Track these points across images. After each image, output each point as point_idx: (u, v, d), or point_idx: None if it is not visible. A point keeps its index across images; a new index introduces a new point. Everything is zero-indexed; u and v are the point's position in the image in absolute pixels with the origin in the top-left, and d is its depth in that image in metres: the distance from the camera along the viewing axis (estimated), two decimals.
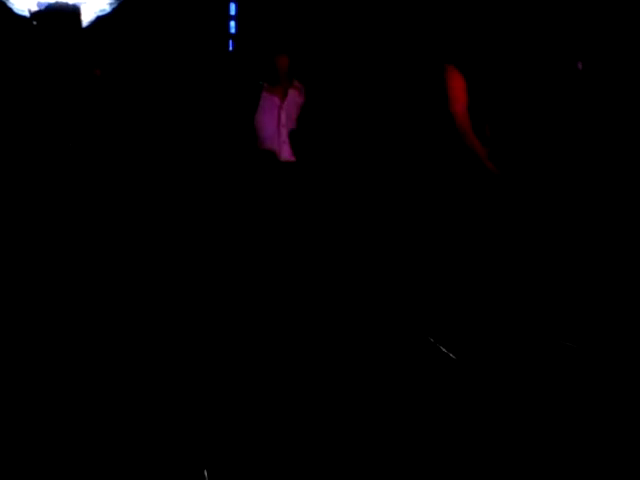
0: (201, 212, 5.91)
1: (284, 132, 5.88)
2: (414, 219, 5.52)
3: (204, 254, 5.41)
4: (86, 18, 5.21)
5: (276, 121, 5.85)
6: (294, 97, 5.92)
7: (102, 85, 4.34)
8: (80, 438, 3.41)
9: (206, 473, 3.17)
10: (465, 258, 4.79)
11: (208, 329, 4.48)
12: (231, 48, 7.47)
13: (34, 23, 7.21)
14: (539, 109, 4.84)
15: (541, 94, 4.91)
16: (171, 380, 3.95)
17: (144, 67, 6.81)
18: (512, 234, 4.61)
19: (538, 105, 4.85)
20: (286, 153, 5.84)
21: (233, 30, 7.50)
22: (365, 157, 6.32)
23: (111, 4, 7.30)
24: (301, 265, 5.25)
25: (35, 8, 7.22)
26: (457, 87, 4.78)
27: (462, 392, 3.80)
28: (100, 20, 7.07)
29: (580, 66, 5.01)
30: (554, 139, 4.80)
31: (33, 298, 4.10)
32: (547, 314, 4.40)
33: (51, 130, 4.03)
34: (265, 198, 5.67)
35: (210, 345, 4.34)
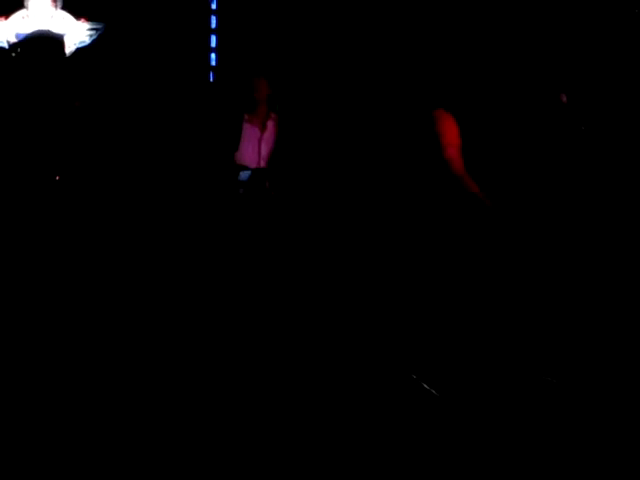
0: (184, 237, 5.87)
1: (263, 163, 5.83)
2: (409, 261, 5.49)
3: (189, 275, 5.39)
4: (66, 50, 5.15)
5: (257, 152, 5.81)
6: (272, 128, 5.87)
7: (82, 117, 4.29)
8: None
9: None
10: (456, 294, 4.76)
11: (194, 338, 4.45)
12: (212, 79, 7.45)
13: (12, 55, 7.18)
14: (528, 144, 4.83)
15: (527, 126, 4.90)
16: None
17: (124, 99, 6.76)
18: (507, 272, 4.59)
19: (526, 139, 4.84)
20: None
21: (213, 62, 7.48)
22: (353, 203, 6.30)
23: (91, 36, 7.26)
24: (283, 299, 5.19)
25: (14, 39, 7.18)
26: (449, 131, 4.70)
27: (443, 429, 3.76)
28: (79, 52, 7.04)
29: (564, 99, 5.01)
30: (544, 171, 4.78)
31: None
32: (531, 348, 4.37)
33: (33, 162, 3.99)
34: (244, 227, 5.60)
35: (196, 354, 4.31)
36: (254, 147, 5.75)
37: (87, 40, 7.28)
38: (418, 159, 4.93)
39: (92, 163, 4.20)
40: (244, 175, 5.62)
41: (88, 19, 7.29)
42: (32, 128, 3.99)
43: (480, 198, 4.58)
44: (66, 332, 4.08)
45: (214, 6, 7.47)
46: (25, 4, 7.23)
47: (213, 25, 7.49)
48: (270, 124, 5.84)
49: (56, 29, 6.59)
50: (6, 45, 7.16)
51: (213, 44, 7.46)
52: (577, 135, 4.89)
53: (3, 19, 7.18)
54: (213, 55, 7.45)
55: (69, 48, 6.81)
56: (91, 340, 4.12)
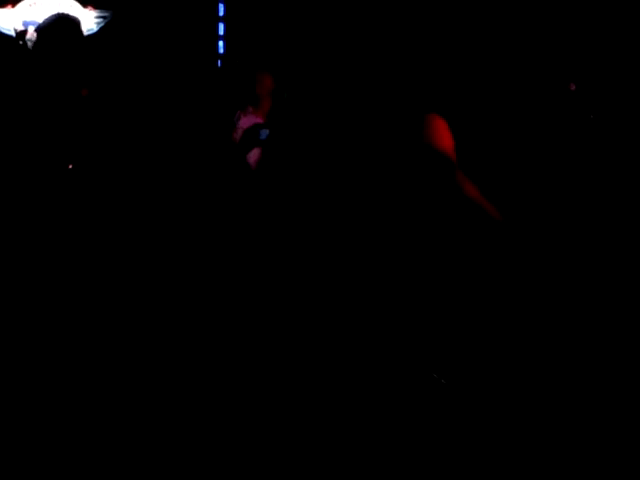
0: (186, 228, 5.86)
1: None
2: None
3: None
4: None
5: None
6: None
7: (89, 105, 4.28)
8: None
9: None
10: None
11: (190, 342, 4.46)
12: (219, 65, 7.45)
13: (20, 42, 7.17)
14: (536, 133, 4.81)
15: (536, 115, 4.88)
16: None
17: (131, 87, 6.75)
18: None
19: (535, 128, 4.82)
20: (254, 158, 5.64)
21: (221, 50, 7.48)
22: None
23: (98, 24, 7.26)
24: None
25: (21, 27, 7.18)
26: (444, 136, 4.59)
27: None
28: (88, 39, 7.03)
29: (573, 87, 5.00)
30: (551, 161, 4.77)
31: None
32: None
33: (42, 150, 3.97)
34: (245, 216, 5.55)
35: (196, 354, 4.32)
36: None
37: (95, 28, 7.28)
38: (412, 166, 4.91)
39: (100, 152, 4.20)
40: (264, 134, 5.49)
41: (95, 7, 7.29)
42: (44, 115, 3.97)
43: (483, 207, 4.52)
44: (69, 327, 4.07)
45: None
46: None
47: (221, 13, 7.49)
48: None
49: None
50: (13, 33, 7.16)
51: (221, 32, 7.47)
52: (586, 123, 4.88)
53: (10, 7, 7.19)
54: (221, 43, 7.45)
55: None
56: (92, 337, 4.12)
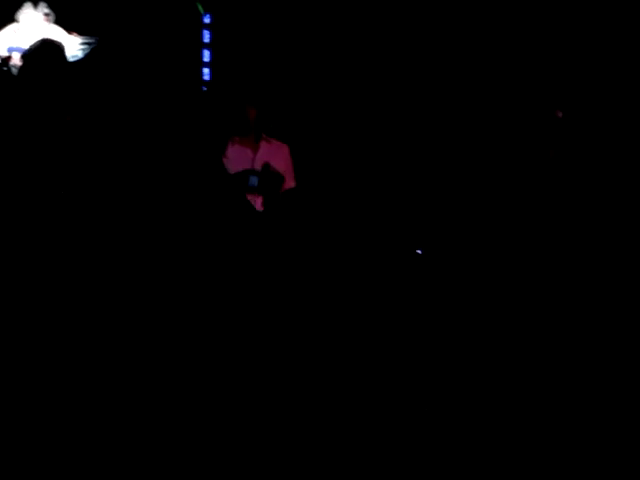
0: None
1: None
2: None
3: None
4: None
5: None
6: (266, 149, 5.70)
7: (73, 131, 4.26)
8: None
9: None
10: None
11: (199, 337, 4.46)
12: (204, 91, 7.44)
13: (4, 69, 7.14)
14: (522, 159, 4.81)
15: (522, 141, 4.89)
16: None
17: (115, 113, 6.73)
18: None
19: (520, 155, 4.83)
20: (258, 204, 5.66)
21: (207, 77, 7.48)
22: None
23: (83, 50, 7.24)
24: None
25: (5, 53, 7.16)
26: None
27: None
28: (72, 65, 7.00)
29: (560, 115, 5.01)
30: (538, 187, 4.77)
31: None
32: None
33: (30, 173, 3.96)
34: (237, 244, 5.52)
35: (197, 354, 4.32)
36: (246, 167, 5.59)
37: (79, 54, 7.25)
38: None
39: (85, 179, 4.17)
40: (253, 180, 5.48)
41: (80, 33, 7.27)
42: (29, 140, 3.95)
43: None
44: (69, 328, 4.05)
45: (207, 20, 7.47)
46: (17, 18, 7.21)
47: (206, 40, 7.49)
48: (264, 145, 5.70)
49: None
50: None
51: (206, 59, 7.47)
52: (572, 149, 4.88)
53: None
54: (206, 70, 7.45)
55: None
56: (92, 338, 4.10)
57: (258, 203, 5.45)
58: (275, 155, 5.61)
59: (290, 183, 5.61)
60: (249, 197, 5.38)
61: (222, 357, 4.41)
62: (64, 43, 5.23)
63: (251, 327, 4.79)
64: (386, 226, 5.98)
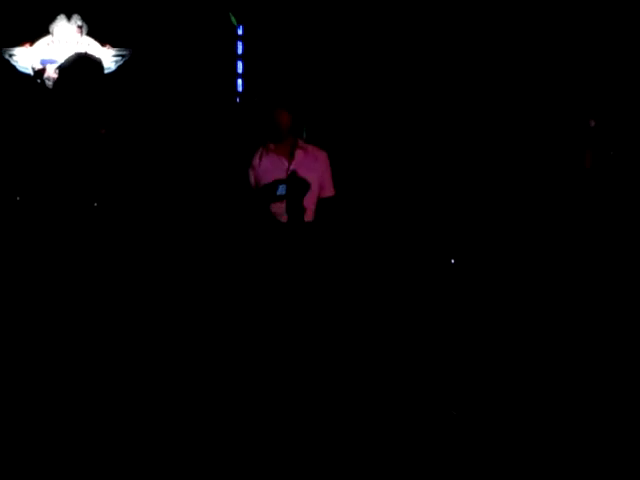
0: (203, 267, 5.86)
1: None
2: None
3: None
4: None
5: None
6: (302, 158, 5.60)
7: (107, 144, 4.28)
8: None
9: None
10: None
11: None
12: (238, 102, 7.46)
13: (38, 81, 7.21)
14: (554, 168, 4.82)
15: (555, 149, 4.89)
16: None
17: (149, 125, 6.77)
18: None
19: (553, 163, 4.83)
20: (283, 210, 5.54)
21: (240, 88, 7.50)
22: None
23: (116, 62, 7.29)
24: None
25: (39, 66, 7.22)
26: None
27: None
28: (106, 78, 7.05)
29: (593, 124, 4.99)
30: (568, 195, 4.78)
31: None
32: None
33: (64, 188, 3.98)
34: (266, 258, 5.49)
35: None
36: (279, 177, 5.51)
37: (112, 66, 7.30)
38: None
39: (119, 190, 4.19)
40: (281, 189, 5.43)
41: (113, 45, 7.32)
42: (63, 153, 3.98)
43: None
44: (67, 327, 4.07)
45: (240, 32, 7.49)
46: (50, 30, 7.27)
47: (239, 51, 7.51)
48: (300, 153, 5.61)
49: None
50: (31, 71, 7.19)
51: (240, 70, 7.48)
52: (606, 160, 4.86)
53: (28, 45, 7.22)
54: (240, 80, 7.46)
55: None
56: (92, 339, 4.11)
57: (283, 209, 5.38)
58: (310, 163, 5.50)
59: (327, 191, 5.53)
60: (277, 206, 5.34)
61: (243, 358, 4.44)
62: (98, 55, 5.30)
63: (270, 330, 4.81)
64: (420, 235, 5.98)
